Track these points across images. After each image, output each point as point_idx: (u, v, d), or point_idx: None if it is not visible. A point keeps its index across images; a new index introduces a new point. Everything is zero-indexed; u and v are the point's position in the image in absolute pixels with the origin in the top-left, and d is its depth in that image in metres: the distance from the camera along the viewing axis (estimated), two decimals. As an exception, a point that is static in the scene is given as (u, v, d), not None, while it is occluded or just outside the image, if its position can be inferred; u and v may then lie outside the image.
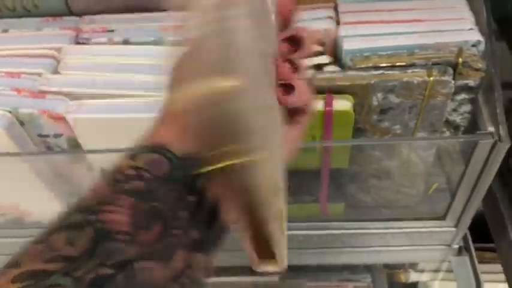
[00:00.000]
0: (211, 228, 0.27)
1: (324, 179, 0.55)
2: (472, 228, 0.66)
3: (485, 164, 0.51)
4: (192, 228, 0.26)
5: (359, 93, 0.48)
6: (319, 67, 0.50)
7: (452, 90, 0.48)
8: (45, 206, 0.58)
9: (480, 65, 0.49)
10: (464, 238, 0.67)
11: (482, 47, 0.50)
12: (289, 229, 0.61)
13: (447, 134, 0.57)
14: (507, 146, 0.48)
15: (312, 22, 0.52)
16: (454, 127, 0.56)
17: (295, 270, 0.97)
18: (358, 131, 0.52)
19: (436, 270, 0.88)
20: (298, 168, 0.54)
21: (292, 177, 0.56)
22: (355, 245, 0.65)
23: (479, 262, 0.88)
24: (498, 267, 0.71)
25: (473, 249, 0.66)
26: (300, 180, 0.56)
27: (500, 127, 0.48)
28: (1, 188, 0.57)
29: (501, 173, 0.73)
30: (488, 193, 0.72)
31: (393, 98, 0.48)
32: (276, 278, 1.03)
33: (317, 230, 0.61)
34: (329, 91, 0.48)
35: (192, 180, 0.26)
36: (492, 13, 0.52)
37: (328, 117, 0.47)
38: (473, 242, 0.83)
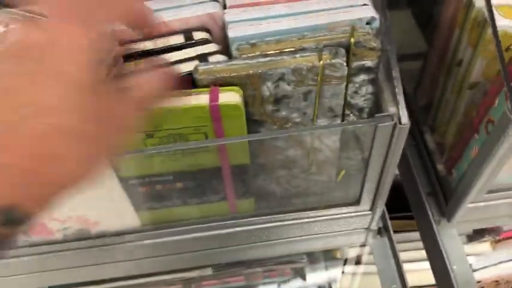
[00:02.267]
0: None
1: (226, 177, 0.51)
2: (393, 197, 0.64)
3: (389, 147, 0.49)
4: None
5: (248, 83, 0.44)
6: (204, 57, 0.46)
7: (346, 73, 0.45)
8: (118, 214, 0.54)
9: (374, 43, 0.46)
10: (383, 218, 0.66)
11: (377, 24, 0.48)
12: (202, 230, 0.59)
13: (351, 117, 0.54)
14: (408, 128, 0.46)
15: (195, 6, 0.47)
16: (358, 110, 0.54)
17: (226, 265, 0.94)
18: (255, 123, 0.48)
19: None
20: (199, 168, 0.50)
21: (194, 177, 0.52)
22: (271, 238, 0.63)
23: (402, 231, 0.88)
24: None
25: (391, 230, 0.65)
26: (203, 180, 0.52)
27: (400, 108, 0.46)
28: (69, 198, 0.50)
29: (414, 138, 0.72)
30: (403, 159, 0.72)
31: (285, 86, 0.45)
32: (210, 272, 0.99)
33: (226, 228, 0.58)
34: (216, 83, 0.44)
35: None
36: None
37: (215, 113, 0.43)
38: (395, 211, 0.83)
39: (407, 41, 0.75)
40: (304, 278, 1.09)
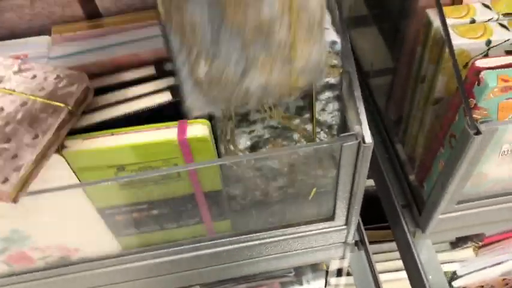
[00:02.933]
0: None
1: (200, 203, 0.52)
2: (370, 208, 0.66)
3: (355, 165, 0.50)
4: None
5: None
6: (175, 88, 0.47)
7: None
8: (97, 241, 0.54)
9: (335, 61, 0.48)
10: (359, 231, 0.67)
11: (338, 47, 0.49)
12: (182, 252, 0.60)
13: (322, 134, 0.56)
14: (371, 147, 0.48)
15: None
16: (328, 127, 0.55)
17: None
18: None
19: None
20: (173, 196, 0.51)
21: (168, 204, 0.54)
22: (253, 256, 0.64)
23: (380, 241, 0.90)
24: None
25: (367, 243, 0.66)
26: (178, 206, 0.53)
27: (363, 128, 0.48)
28: (47, 228, 0.52)
29: (387, 150, 0.74)
30: (378, 172, 0.73)
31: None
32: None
33: (206, 249, 0.59)
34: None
35: None
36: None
37: (184, 146, 0.44)
38: (373, 222, 0.84)
39: (378, 57, 0.77)
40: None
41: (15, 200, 0.39)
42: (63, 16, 0.54)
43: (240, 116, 0.49)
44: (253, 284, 1.07)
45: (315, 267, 1.09)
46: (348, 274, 0.97)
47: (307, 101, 0.51)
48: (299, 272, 1.09)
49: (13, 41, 0.54)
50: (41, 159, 0.41)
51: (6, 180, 0.39)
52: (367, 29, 0.78)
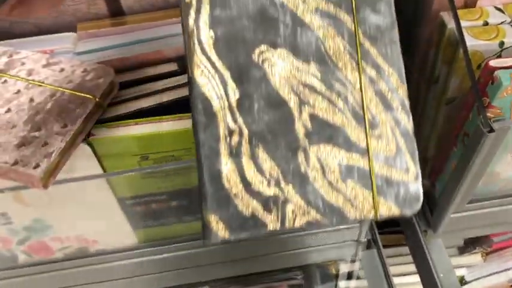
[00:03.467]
0: None
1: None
2: None
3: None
4: None
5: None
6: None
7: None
8: (116, 232, 0.55)
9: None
10: (372, 231, 0.68)
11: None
12: (199, 246, 0.61)
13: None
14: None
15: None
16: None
17: (221, 281, 0.95)
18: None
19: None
20: (193, 186, 0.53)
21: (188, 195, 0.55)
22: (269, 252, 0.65)
23: (393, 245, 0.90)
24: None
25: (380, 242, 0.67)
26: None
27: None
28: (69, 218, 0.53)
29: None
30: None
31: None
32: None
33: (221, 243, 0.60)
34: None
35: None
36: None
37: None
38: (386, 226, 0.85)
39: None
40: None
41: (45, 186, 0.41)
42: (88, 13, 0.56)
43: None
44: (261, 286, 1.08)
45: (323, 271, 1.09)
46: (358, 278, 0.98)
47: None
48: (307, 274, 1.09)
49: (40, 37, 0.55)
50: (70, 147, 0.43)
51: (37, 165, 0.40)
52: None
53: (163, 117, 0.46)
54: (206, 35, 0.28)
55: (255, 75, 0.29)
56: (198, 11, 0.28)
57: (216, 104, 0.29)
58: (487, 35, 0.53)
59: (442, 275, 0.63)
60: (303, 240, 0.64)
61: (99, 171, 0.48)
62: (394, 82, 0.30)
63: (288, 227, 0.29)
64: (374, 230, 0.68)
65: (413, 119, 0.71)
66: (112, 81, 0.47)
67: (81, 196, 0.50)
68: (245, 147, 0.29)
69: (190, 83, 0.29)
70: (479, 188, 0.58)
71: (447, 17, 0.56)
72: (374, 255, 0.67)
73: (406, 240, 0.72)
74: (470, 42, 0.53)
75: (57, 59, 0.50)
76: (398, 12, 0.72)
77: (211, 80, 0.28)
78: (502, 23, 0.55)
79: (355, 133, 0.29)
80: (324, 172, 0.29)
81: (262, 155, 0.29)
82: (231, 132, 0.29)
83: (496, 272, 1.05)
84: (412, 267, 0.72)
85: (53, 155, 0.41)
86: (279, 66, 0.29)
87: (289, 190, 0.28)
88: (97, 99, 0.45)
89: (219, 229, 0.29)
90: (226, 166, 0.29)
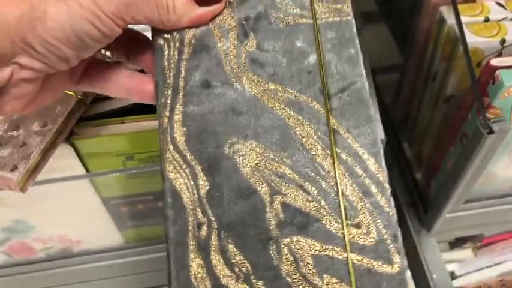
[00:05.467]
0: None
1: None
2: None
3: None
4: None
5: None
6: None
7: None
8: (100, 233, 0.53)
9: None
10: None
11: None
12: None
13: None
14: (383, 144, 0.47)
15: None
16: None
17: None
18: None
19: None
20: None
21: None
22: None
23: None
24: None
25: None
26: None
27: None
28: (51, 218, 0.51)
29: (392, 149, 0.73)
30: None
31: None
32: None
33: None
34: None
35: None
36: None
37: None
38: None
39: (385, 53, 0.76)
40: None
41: (23, 189, 0.38)
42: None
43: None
44: None
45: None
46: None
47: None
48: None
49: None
50: (50, 147, 0.40)
51: (15, 168, 0.38)
52: (375, 25, 0.77)
53: (150, 115, 0.43)
54: (179, 131, 0.28)
55: (226, 167, 0.28)
56: (172, 110, 0.29)
57: (186, 197, 0.27)
58: (488, 32, 0.52)
59: (435, 276, 0.62)
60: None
61: (82, 171, 0.46)
62: (371, 167, 0.28)
63: None
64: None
65: (409, 117, 0.70)
66: (95, 77, 0.45)
67: (63, 197, 0.48)
68: (214, 240, 0.27)
69: (162, 178, 0.28)
70: (475, 188, 0.56)
71: (446, 12, 0.54)
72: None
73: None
74: (471, 39, 0.51)
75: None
76: (394, 5, 0.69)
77: (182, 174, 0.28)
78: (503, 19, 0.53)
79: (330, 222, 0.27)
80: (297, 265, 0.26)
81: (231, 249, 0.27)
82: (199, 225, 0.27)
83: (487, 267, 1.04)
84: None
85: (32, 156, 0.39)
86: (250, 157, 0.28)
87: (260, 286, 0.26)
88: (79, 96, 0.42)
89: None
90: (194, 262, 0.27)
